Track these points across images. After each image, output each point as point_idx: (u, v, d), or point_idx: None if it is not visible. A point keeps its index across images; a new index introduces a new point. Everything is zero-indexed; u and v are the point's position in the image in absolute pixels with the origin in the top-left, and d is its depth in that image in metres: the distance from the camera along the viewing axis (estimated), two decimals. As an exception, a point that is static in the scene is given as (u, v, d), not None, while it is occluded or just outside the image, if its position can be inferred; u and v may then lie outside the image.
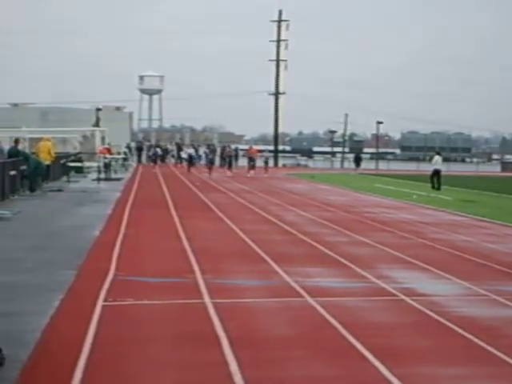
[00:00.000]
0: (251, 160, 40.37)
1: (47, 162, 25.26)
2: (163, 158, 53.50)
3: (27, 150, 27.20)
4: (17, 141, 23.57)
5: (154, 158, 43.85)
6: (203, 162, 47.69)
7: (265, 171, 41.98)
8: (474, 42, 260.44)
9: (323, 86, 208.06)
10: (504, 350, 5.87)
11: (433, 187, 30.80)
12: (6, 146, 24.00)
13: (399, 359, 5.62)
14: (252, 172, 39.63)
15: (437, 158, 32.86)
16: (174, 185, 30.20)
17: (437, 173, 31.38)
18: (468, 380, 5.31)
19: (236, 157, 48.98)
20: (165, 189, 27.32)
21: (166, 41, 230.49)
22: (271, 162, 53.52)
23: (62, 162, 31.67)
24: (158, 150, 49.38)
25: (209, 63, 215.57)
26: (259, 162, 43.08)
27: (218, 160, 47.05)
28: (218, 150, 51.18)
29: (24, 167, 21.80)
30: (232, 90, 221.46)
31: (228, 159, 41.40)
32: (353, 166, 57.79)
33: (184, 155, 48.95)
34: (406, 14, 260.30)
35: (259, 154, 45.11)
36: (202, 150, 53.66)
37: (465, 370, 5.51)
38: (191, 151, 45.85)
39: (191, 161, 42.12)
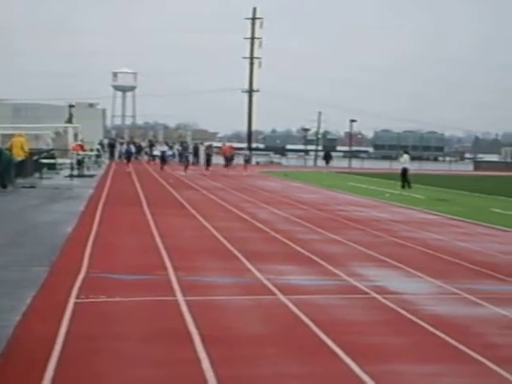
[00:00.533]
0: (226, 158, 40.47)
1: (20, 158, 25.06)
2: (137, 155, 53.35)
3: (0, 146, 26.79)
4: None
5: (127, 156, 42.92)
6: (176, 159, 48.06)
7: (244, 169, 41.74)
8: (447, 42, 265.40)
9: (298, 84, 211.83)
10: (475, 349, 5.93)
11: (402, 186, 30.99)
12: None
13: (370, 357, 5.62)
14: (229, 170, 39.73)
15: (405, 156, 32.93)
16: (147, 182, 29.95)
17: (405, 171, 31.68)
18: (439, 377, 5.33)
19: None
20: (138, 186, 27.13)
21: (141, 38, 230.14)
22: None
23: (35, 158, 31.08)
24: (132, 146, 48.62)
25: (183, 60, 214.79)
26: (239, 160, 42.91)
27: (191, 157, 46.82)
28: (191, 147, 51.03)
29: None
30: (206, 88, 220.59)
31: (207, 157, 41.24)
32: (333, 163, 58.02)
33: (157, 152, 48.90)
34: (386, 13, 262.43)
35: (233, 151, 45.14)
36: (176, 148, 53.71)
37: (436, 367, 5.53)
38: (165, 148, 45.48)
39: (164, 158, 41.90)
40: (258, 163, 63.38)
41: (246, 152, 48.73)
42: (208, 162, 40.36)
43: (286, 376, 5.14)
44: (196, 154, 49.58)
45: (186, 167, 38.59)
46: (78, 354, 5.42)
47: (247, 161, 44.69)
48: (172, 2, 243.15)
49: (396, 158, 52.08)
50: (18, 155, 24.89)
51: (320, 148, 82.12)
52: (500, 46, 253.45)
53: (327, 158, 56.40)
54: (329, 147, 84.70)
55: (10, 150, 24.75)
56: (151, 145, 57.30)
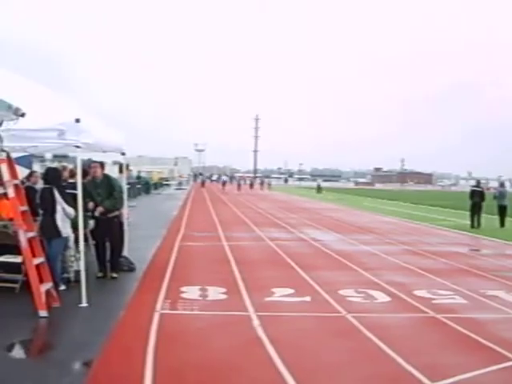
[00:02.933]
0: (241, 180, 71.37)
1: (157, 181, 62.86)
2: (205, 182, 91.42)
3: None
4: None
5: (202, 181, 74.66)
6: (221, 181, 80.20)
7: (261, 188, 66.90)
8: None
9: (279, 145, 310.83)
10: (354, 264, 13.33)
11: (317, 192, 63.70)
12: (135, 173, 51.78)
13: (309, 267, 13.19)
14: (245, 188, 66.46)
15: (319, 180, 78.75)
16: (211, 192, 55.17)
17: (319, 186, 67.99)
18: (339, 277, 12.65)
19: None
20: (206, 194, 50.64)
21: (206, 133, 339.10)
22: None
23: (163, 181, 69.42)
24: (204, 176, 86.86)
25: (226, 137, 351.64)
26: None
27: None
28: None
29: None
30: (234, 149, 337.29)
31: (238, 183, 73.16)
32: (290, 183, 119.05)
33: (214, 178, 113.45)
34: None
35: (248, 178, 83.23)
36: (222, 177, 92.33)
37: (337, 272, 13.08)
38: (225, 178, 79.99)
39: (224, 183, 71.62)
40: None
41: (263, 178, 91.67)
42: (239, 185, 69.66)
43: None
44: (231, 179, 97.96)
45: (224, 186, 68.25)
46: (179, 265, 12.71)
47: (262, 183, 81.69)
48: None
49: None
50: (157, 180, 61.28)
51: (287, 176, 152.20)
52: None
53: (286, 181, 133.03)
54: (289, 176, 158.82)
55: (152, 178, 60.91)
56: (211, 175, 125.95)
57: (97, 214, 10.67)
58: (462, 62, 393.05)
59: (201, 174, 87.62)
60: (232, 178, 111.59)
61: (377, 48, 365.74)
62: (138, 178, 49.84)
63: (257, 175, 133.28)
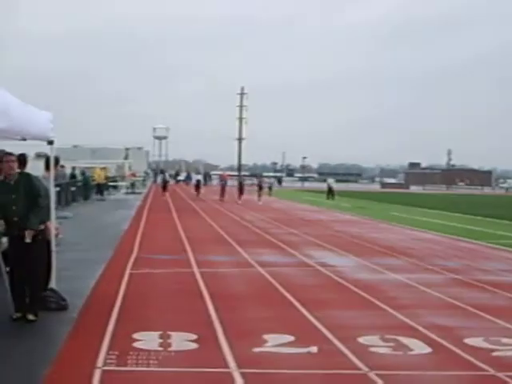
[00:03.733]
0: (223, 181, 60.90)
1: (102, 182, 57.90)
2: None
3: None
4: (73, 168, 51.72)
5: (164, 183, 63.85)
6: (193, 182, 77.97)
7: (258, 195, 56.45)
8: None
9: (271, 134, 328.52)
10: (380, 299, 13.08)
11: (327, 198, 65.30)
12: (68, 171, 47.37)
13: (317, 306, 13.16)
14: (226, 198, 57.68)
15: (330, 180, 77.19)
16: (175, 198, 56.61)
17: (330, 189, 68.43)
18: (358, 318, 11.75)
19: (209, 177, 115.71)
20: (170, 201, 51.36)
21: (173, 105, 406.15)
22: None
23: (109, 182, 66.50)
24: (167, 175, 75.77)
25: (197, 118, 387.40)
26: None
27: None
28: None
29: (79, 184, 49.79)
30: (211, 137, 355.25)
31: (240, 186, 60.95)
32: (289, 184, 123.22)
33: (181, 178, 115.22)
34: None
35: (230, 177, 74.82)
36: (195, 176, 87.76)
37: (356, 312, 12.65)
38: (199, 177, 74.85)
39: (198, 186, 66.13)
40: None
41: (270, 180, 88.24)
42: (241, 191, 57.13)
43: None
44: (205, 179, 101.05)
45: (198, 189, 64.35)
46: (131, 301, 12.50)
47: (270, 188, 75.83)
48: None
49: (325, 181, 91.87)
50: (101, 180, 57.36)
51: (284, 175, 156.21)
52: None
53: (280, 181, 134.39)
54: (289, 175, 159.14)
55: (93, 177, 56.55)
56: (177, 173, 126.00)
57: (28, 240, 10.55)
58: None
59: (162, 172, 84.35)
60: (207, 176, 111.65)
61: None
62: (73, 177, 49.45)
63: (244, 174, 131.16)
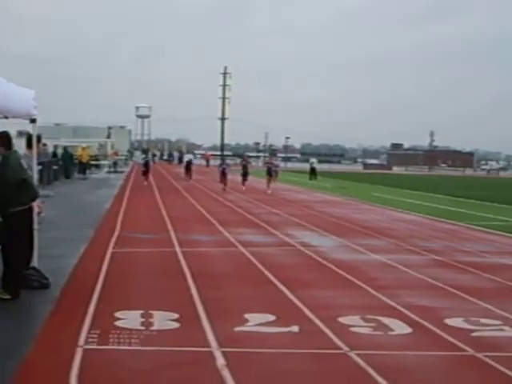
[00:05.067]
0: (207, 161, 66.48)
1: (84, 161, 58.01)
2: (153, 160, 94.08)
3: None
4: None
5: (145, 163, 51.81)
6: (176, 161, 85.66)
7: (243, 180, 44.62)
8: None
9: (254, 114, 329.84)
10: (361, 280, 13.24)
11: (310, 179, 65.31)
12: (50, 149, 48.33)
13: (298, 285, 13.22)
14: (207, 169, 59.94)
15: (313, 160, 74.34)
16: (157, 177, 57.77)
17: (313, 169, 68.25)
18: (339, 298, 11.99)
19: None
20: (152, 179, 50.02)
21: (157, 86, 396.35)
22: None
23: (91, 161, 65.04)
24: (150, 154, 75.69)
25: (181, 99, 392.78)
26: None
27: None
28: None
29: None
30: (195, 116, 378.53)
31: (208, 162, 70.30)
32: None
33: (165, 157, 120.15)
34: None
35: (212, 157, 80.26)
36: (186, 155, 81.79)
37: (336, 292, 12.92)
38: (190, 157, 67.75)
39: (189, 167, 58.32)
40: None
41: (277, 162, 66.89)
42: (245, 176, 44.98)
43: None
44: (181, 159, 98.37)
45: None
46: (113, 280, 12.61)
47: (276, 172, 49.47)
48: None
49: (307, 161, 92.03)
50: (84, 159, 57.97)
51: (266, 155, 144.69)
52: None
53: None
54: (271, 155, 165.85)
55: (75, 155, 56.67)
56: (161, 154, 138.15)
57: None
58: None
59: (145, 152, 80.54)
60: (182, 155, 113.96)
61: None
62: (55, 155, 49.50)
63: (227, 153, 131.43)
